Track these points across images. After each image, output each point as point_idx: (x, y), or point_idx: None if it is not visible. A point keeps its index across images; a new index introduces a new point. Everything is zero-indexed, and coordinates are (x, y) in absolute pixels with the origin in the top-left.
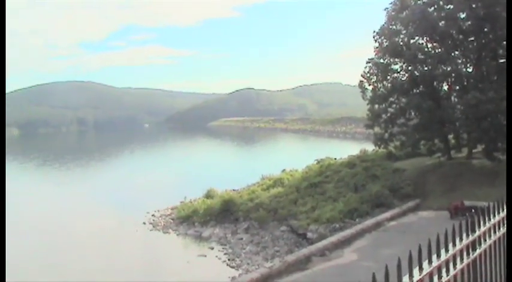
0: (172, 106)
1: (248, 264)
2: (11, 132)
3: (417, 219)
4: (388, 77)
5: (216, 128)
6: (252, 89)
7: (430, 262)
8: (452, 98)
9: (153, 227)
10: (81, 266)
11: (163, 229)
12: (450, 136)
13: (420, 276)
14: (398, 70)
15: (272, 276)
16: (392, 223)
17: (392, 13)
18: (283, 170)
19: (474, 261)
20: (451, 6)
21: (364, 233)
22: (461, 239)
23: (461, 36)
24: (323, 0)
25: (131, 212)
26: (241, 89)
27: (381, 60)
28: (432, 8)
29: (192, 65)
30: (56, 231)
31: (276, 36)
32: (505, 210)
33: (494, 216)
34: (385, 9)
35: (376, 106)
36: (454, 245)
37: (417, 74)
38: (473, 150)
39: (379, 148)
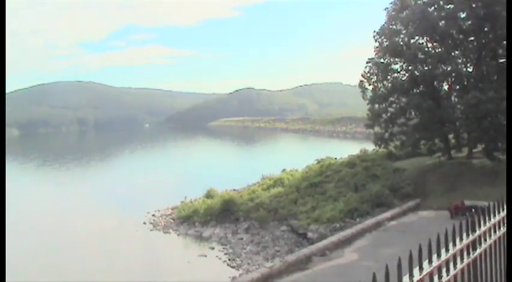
0: (172, 106)
1: (248, 264)
2: (11, 132)
3: (417, 219)
4: (388, 77)
5: (216, 128)
6: (252, 89)
7: (430, 262)
8: (453, 97)
9: (154, 227)
10: (81, 266)
11: (164, 229)
12: (450, 136)
13: (420, 276)
14: (399, 70)
15: (272, 276)
16: (393, 223)
17: (393, 13)
18: (284, 170)
19: (474, 261)
20: (451, 6)
21: (365, 232)
22: (461, 239)
23: (461, 36)
24: (323, 0)
25: (131, 212)
26: (242, 89)
27: (381, 60)
28: (432, 8)
29: (192, 65)
30: (56, 231)
31: (276, 36)
32: (505, 210)
33: (494, 215)
34: (385, 9)
35: (377, 106)
36: (455, 244)
37: (417, 73)
38: (474, 150)
39: (380, 148)
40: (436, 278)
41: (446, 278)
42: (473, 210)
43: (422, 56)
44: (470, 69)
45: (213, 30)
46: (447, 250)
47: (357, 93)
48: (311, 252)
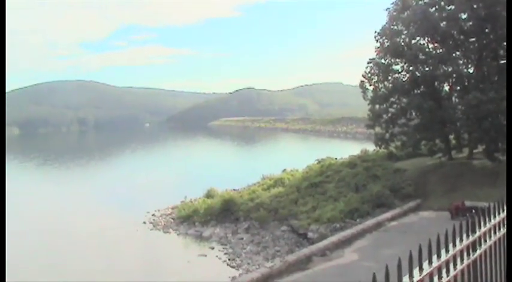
0: (173, 106)
1: (248, 264)
2: (11, 131)
3: (418, 220)
4: (389, 77)
5: (216, 127)
6: (253, 88)
7: (430, 262)
8: (453, 98)
9: (154, 226)
10: (80, 266)
11: (164, 229)
12: (451, 136)
13: (420, 277)
14: (400, 70)
15: (273, 276)
16: (393, 223)
17: (394, 13)
18: (284, 170)
19: (474, 261)
20: (453, 7)
21: (365, 233)
22: (461, 240)
23: (462, 37)
24: (323, 0)
25: (131, 211)
26: (242, 89)
27: (382, 61)
28: (433, 9)
29: (192, 65)
30: (55, 231)
31: (277, 35)
32: (505, 211)
33: (494, 216)
34: (386, 10)
35: (377, 106)
36: (455, 245)
37: (418, 74)
38: (474, 151)
39: (380, 148)
40: (436, 278)
41: (446, 279)
42: (473, 211)
43: (423, 57)
44: (471, 70)
45: (214, 29)
46: (447, 251)
47: (358, 93)
48: (311, 252)
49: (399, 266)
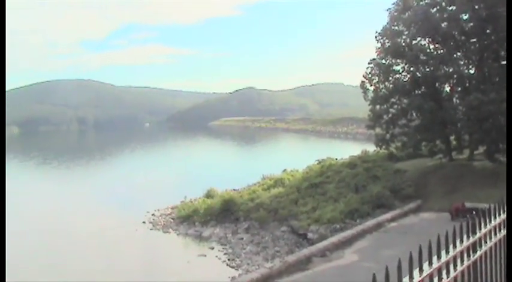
0: (173, 105)
1: (248, 264)
2: (11, 130)
3: (418, 221)
4: (390, 78)
5: (216, 127)
6: (253, 88)
7: (430, 263)
8: (454, 99)
9: (153, 226)
10: (80, 266)
11: (163, 228)
12: (452, 137)
13: (420, 278)
14: (400, 71)
15: (272, 277)
16: (393, 224)
17: (395, 14)
18: (284, 170)
19: (474, 263)
20: (454, 8)
21: (365, 233)
22: (461, 241)
23: (463, 38)
24: (324, 0)
25: (131, 211)
26: (242, 89)
27: (383, 61)
28: (434, 9)
29: (193, 64)
30: (55, 231)
31: (277, 35)
32: (505, 212)
33: (495, 218)
34: (387, 10)
35: (378, 107)
36: (455, 246)
37: (419, 75)
38: (475, 152)
39: (381, 149)
40: (436, 279)
41: (446, 280)
42: (473, 212)
43: (424, 57)
44: (472, 71)
45: (214, 29)
46: (447, 252)
47: (359, 93)
48: (311, 253)
49: (399, 267)
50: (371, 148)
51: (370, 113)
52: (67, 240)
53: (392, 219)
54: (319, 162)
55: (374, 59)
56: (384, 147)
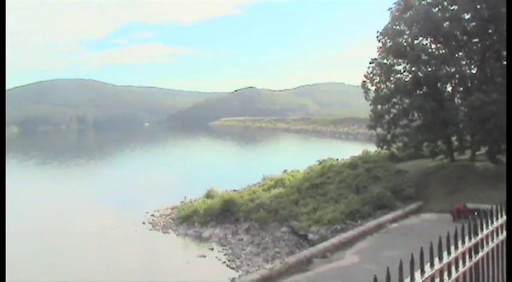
0: (173, 105)
1: (248, 265)
2: (10, 130)
3: (419, 222)
4: (391, 78)
5: (217, 127)
6: (254, 88)
7: (432, 265)
8: (456, 99)
9: (153, 226)
10: (80, 266)
11: (163, 229)
12: (453, 138)
13: (422, 279)
14: (402, 71)
15: (272, 278)
16: (394, 225)
17: (396, 13)
18: (285, 171)
19: (476, 264)
20: (456, 7)
21: (366, 234)
22: (463, 242)
23: (465, 37)
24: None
25: (131, 211)
26: (243, 88)
27: (384, 61)
28: (436, 9)
29: (193, 64)
30: (55, 231)
31: (278, 35)
32: (505, 215)
33: (496, 219)
34: (389, 10)
35: (379, 107)
36: (456, 247)
37: (421, 74)
38: (477, 153)
39: (382, 149)
40: (437, 281)
41: (448, 281)
42: (475, 213)
43: (426, 57)
44: (474, 71)
45: (215, 29)
46: (449, 253)
47: (360, 93)
48: (312, 254)
49: (401, 269)
50: (372, 148)
51: (371, 113)
52: (67, 240)
53: (394, 220)
54: (320, 163)
55: (375, 59)
56: (385, 147)
